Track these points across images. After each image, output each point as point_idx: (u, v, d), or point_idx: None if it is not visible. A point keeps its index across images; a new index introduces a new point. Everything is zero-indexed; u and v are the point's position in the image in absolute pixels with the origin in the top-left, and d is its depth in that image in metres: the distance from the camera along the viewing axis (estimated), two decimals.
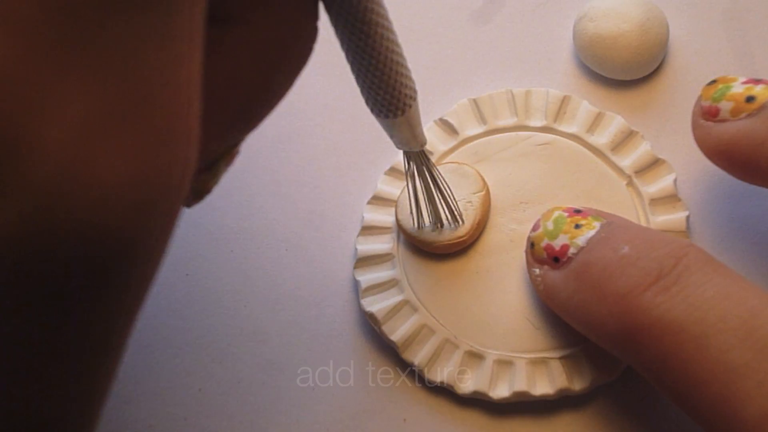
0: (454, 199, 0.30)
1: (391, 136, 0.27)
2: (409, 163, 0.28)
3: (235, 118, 0.21)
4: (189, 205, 0.23)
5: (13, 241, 0.15)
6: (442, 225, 0.30)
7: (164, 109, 0.16)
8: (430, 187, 0.29)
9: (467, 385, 0.29)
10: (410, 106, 0.25)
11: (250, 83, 0.21)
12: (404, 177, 0.32)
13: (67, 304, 0.16)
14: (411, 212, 0.30)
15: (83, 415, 0.19)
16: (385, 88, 0.24)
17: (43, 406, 0.18)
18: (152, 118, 0.16)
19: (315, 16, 0.22)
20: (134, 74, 0.15)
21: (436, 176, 0.29)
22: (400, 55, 0.24)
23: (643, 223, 0.31)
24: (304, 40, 0.22)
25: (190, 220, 0.33)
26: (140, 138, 0.16)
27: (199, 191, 0.23)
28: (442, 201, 0.30)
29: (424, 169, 0.29)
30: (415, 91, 0.25)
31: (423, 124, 0.33)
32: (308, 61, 0.22)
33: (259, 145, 0.34)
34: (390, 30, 0.23)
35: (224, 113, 0.21)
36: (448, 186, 0.30)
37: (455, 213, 0.30)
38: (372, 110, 0.25)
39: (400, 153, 0.32)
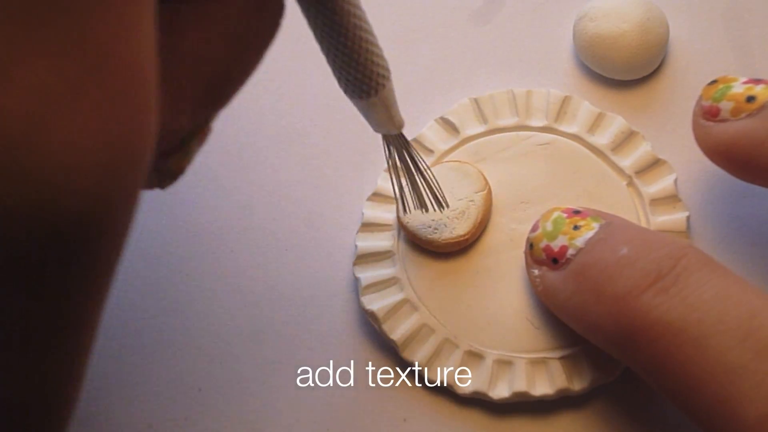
0: (437, 182, 0.30)
1: (368, 119, 0.26)
2: (388, 148, 0.28)
3: (203, 95, 0.21)
4: (163, 186, 0.23)
5: None
6: (426, 209, 0.30)
7: (120, 75, 0.16)
8: (411, 171, 0.29)
9: (467, 384, 0.29)
10: (384, 86, 0.25)
11: (217, 59, 0.21)
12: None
13: (31, 279, 0.16)
14: (395, 198, 0.30)
15: (56, 395, 0.19)
16: (356, 67, 0.24)
17: (11, 384, 0.18)
18: (106, 86, 0.16)
19: None
20: (87, 40, 0.15)
21: (417, 160, 0.29)
22: (370, 33, 0.24)
23: (644, 224, 0.31)
24: (270, 15, 0.22)
25: (191, 219, 0.33)
26: (97, 105, 0.15)
27: (172, 171, 0.22)
28: (424, 185, 0.29)
29: (404, 152, 0.28)
30: (387, 71, 0.25)
31: (424, 123, 0.33)
32: (275, 36, 0.22)
33: (259, 145, 0.34)
34: (357, 6, 0.23)
35: (193, 89, 0.21)
36: (429, 169, 0.29)
37: (438, 196, 0.30)
38: (345, 91, 0.25)
39: None
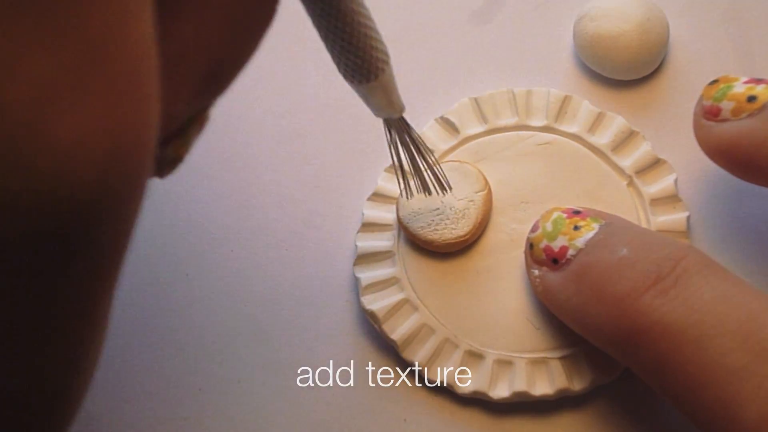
0: (440, 166, 0.30)
1: (368, 104, 0.26)
2: (390, 132, 0.28)
3: (201, 81, 0.21)
4: (162, 175, 0.23)
5: None
6: (429, 193, 0.30)
7: (121, 66, 0.16)
8: (414, 155, 0.29)
9: (467, 384, 0.29)
10: (383, 70, 0.25)
11: (215, 45, 0.21)
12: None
13: (37, 268, 0.16)
14: (398, 184, 0.30)
15: (69, 381, 0.19)
16: (355, 51, 0.24)
17: (24, 371, 0.18)
18: (107, 76, 0.16)
19: None
20: (87, 32, 0.15)
21: (419, 143, 0.29)
22: (368, 18, 0.24)
23: (644, 224, 0.31)
24: (267, 0, 0.22)
25: (190, 220, 0.33)
26: (97, 96, 0.15)
27: (171, 159, 0.22)
28: (427, 168, 0.29)
29: (406, 136, 0.28)
30: (387, 55, 0.25)
31: (424, 123, 0.33)
32: (272, 22, 0.22)
33: (259, 145, 0.34)
34: None
35: (191, 75, 0.21)
36: (432, 153, 0.29)
37: (441, 180, 0.30)
38: (345, 76, 0.25)
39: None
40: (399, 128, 0.28)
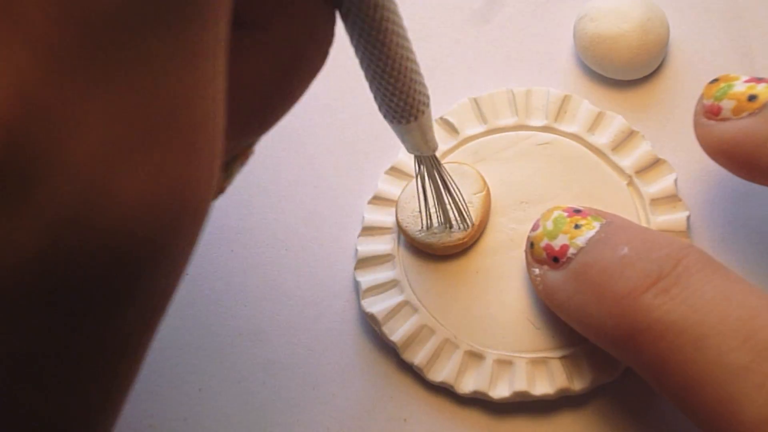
0: (464, 200, 0.30)
1: (403, 141, 0.27)
2: (419, 166, 0.29)
3: (251, 120, 0.22)
4: None
5: (41, 256, 0.15)
6: (451, 227, 0.30)
7: (190, 127, 0.16)
8: (440, 190, 0.29)
9: (467, 384, 0.29)
10: (423, 113, 0.25)
11: (267, 86, 0.21)
12: (405, 177, 0.32)
13: (92, 316, 0.16)
14: (420, 213, 0.30)
15: (103, 418, 0.19)
16: (399, 95, 0.24)
17: (67, 410, 0.18)
18: (177, 136, 0.16)
19: (332, 22, 0.22)
20: (160, 93, 0.15)
21: (446, 180, 0.29)
22: (414, 62, 0.24)
23: (644, 223, 0.31)
24: (320, 44, 0.22)
25: None
26: (166, 156, 0.16)
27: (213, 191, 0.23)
28: (451, 203, 0.30)
29: (435, 172, 0.29)
30: (428, 98, 0.25)
31: None
32: (323, 65, 0.22)
33: (260, 145, 0.34)
34: (405, 38, 0.24)
35: (241, 115, 0.21)
36: (458, 188, 0.30)
37: (464, 215, 0.30)
38: (385, 116, 0.26)
39: (401, 152, 0.33)
40: (429, 164, 0.28)
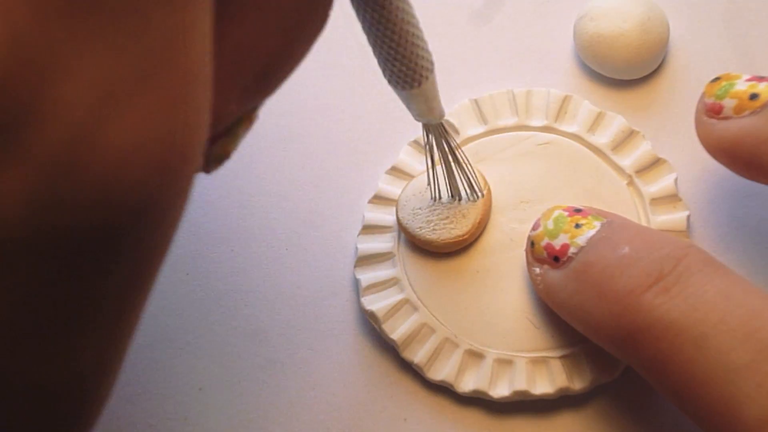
0: (473, 171, 0.30)
1: (409, 108, 0.27)
2: (427, 136, 0.29)
3: (254, 82, 0.22)
4: (209, 171, 0.23)
5: (34, 206, 0.15)
6: (460, 198, 0.31)
7: (179, 75, 0.16)
8: (449, 160, 0.29)
9: (467, 384, 0.29)
10: (427, 78, 0.26)
11: (269, 47, 0.21)
12: (405, 176, 0.32)
13: (83, 269, 0.16)
14: (429, 185, 0.30)
15: (98, 383, 0.19)
16: (402, 60, 0.25)
17: (60, 373, 0.18)
18: (165, 83, 0.16)
19: None
20: (149, 40, 0.16)
21: (455, 149, 0.29)
22: (416, 27, 0.25)
23: (644, 223, 0.31)
24: (321, 6, 0.22)
25: (190, 219, 0.33)
26: (154, 102, 0.16)
27: (218, 156, 0.23)
28: (461, 173, 0.30)
29: (443, 141, 0.29)
30: (432, 63, 0.26)
31: None
32: (325, 26, 0.22)
33: (259, 145, 0.34)
34: (406, 2, 0.24)
35: (244, 77, 0.21)
36: (467, 159, 0.30)
37: (474, 186, 0.30)
38: (389, 81, 0.26)
39: (401, 153, 0.33)
40: (437, 133, 0.29)
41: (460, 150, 0.29)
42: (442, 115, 0.28)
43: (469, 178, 0.30)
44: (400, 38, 0.24)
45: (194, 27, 0.16)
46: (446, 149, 0.29)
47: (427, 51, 0.25)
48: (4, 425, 0.18)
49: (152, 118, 0.16)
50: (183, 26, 0.16)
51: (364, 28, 0.24)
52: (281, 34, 0.21)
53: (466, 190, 0.30)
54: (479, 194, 0.31)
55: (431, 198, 0.31)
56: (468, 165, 0.30)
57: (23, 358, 0.17)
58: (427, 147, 0.29)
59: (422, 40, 0.25)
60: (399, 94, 0.26)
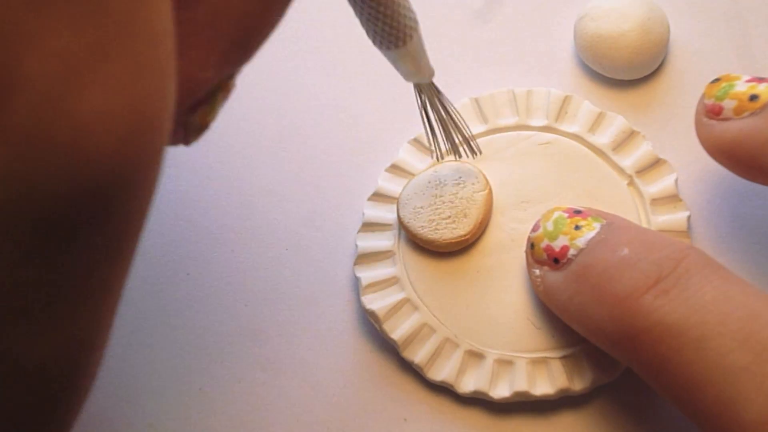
0: (468, 128, 0.31)
1: (398, 69, 0.27)
2: (420, 96, 0.29)
3: (229, 48, 0.22)
4: (188, 142, 0.23)
5: (1, 179, 0.15)
6: (459, 155, 0.31)
7: (144, 42, 0.16)
8: (443, 118, 0.30)
9: (467, 384, 0.29)
10: (411, 37, 0.26)
11: (244, 13, 0.21)
12: (406, 175, 0.32)
13: (58, 241, 0.16)
14: (429, 145, 0.31)
15: (82, 359, 0.19)
16: (384, 19, 0.25)
17: (41, 348, 0.18)
18: (128, 52, 0.16)
19: None
20: (109, 9, 0.16)
21: (447, 107, 0.29)
22: None
23: (644, 223, 0.31)
24: None
25: (191, 219, 0.33)
26: (118, 71, 0.16)
27: (198, 126, 0.23)
28: (456, 131, 0.30)
29: (436, 100, 0.29)
30: (415, 22, 0.26)
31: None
32: None
33: (259, 145, 0.34)
34: None
35: (218, 43, 0.21)
36: (461, 116, 0.30)
37: (471, 142, 0.31)
38: (374, 42, 0.26)
39: (401, 151, 0.33)
40: (429, 92, 0.29)
41: (453, 108, 0.30)
42: (431, 74, 0.28)
43: (465, 136, 0.30)
44: None
45: None
46: (440, 108, 0.29)
47: (410, 9, 0.26)
48: None
49: (117, 87, 0.16)
50: None
51: None
52: None
53: (464, 148, 0.31)
54: (477, 152, 0.31)
55: (433, 158, 0.31)
56: (463, 123, 0.30)
57: (4, 336, 0.17)
58: (421, 108, 0.29)
59: None
60: (386, 55, 0.26)
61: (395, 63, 0.27)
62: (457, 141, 0.31)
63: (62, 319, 0.18)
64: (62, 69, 0.15)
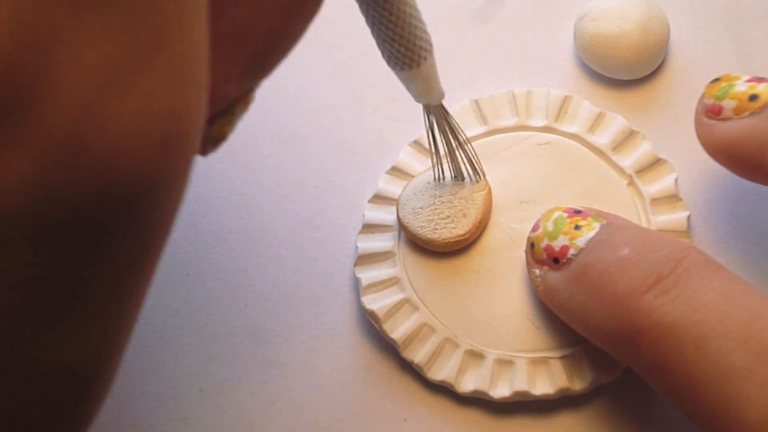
0: (475, 152, 0.31)
1: (409, 90, 0.27)
2: (428, 117, 0.29)
3: (252, 61, 0.22)
4: (205, 153, 0.23)
5: (37, 186, 0.15)
6: (463, 179, 0.31)
7: (178, 55, 0.16)
8: (450, 141, 0.30)
9: (467, 384, 0.29)
10: (425, 59, 0.26)
11: (266, 26, 0.21)
12: (406, 176, 0.32)
13: (89, 247, 0.16)
14: (433, 166, 0.31)
15: (102, 364, 0.19)
16: (400, 41, 0.25)
17: (64, 352, 0.18)
18: (164, 63, 0.16)
19: None
20: (145, 19, 0.16)
21: (456, 130, 0.30)
22: (414, 7, 0.25)
23: (644, 223, 0.31)
24: None
25: (191, 219, 0.33)
26: (154, 82, 0.16)
27: (215, 137, 0.23)
28: (462, 154, 0.30)
29: (444, 122, 0.29)
30: (430, 44, 0.26)
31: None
32: (321, 6, 0.22)
33: (259, 145, 0.34)
34: None
35: (240, 56, 0.21)
36: (467, 140, 0.30)
37: (476, 166, 0.31)
38: (388, 63, 0.26)
39: (402, 153, 0.33)
40: (438, 114, 0.29)
41: (461, 131, 0.30)
42: (442, 96, 0.28)
43: (470, 159, 0.30)
44: (398, 18, 0.25)
45: (190, 6, 0.17)
46: (447, 130, 0.29)
47: (426, 32, 0.26)
48: (14, 405, 0.18)
49: (153, 98, 0.16)
50: (180, 6, 0.16)
51: (361, 8, 0.25)
52: (278, 12, 0.21)
53: (468, 171, 0.31)
54: (482, 175, 0.31)
55: (434, 179, 0.31)
56: (469, 146, 0.30)
57: (30, 339, 0.17)
58: (429, 129, 0.29)
59: (420, 20, 0.25)
60: (398, 75, 0.27)
61: (406, 83, 0.27)
62: (462, 164, 0.31)
63: (87, 324, 0.18)
64: (101, 79, 0.15)
